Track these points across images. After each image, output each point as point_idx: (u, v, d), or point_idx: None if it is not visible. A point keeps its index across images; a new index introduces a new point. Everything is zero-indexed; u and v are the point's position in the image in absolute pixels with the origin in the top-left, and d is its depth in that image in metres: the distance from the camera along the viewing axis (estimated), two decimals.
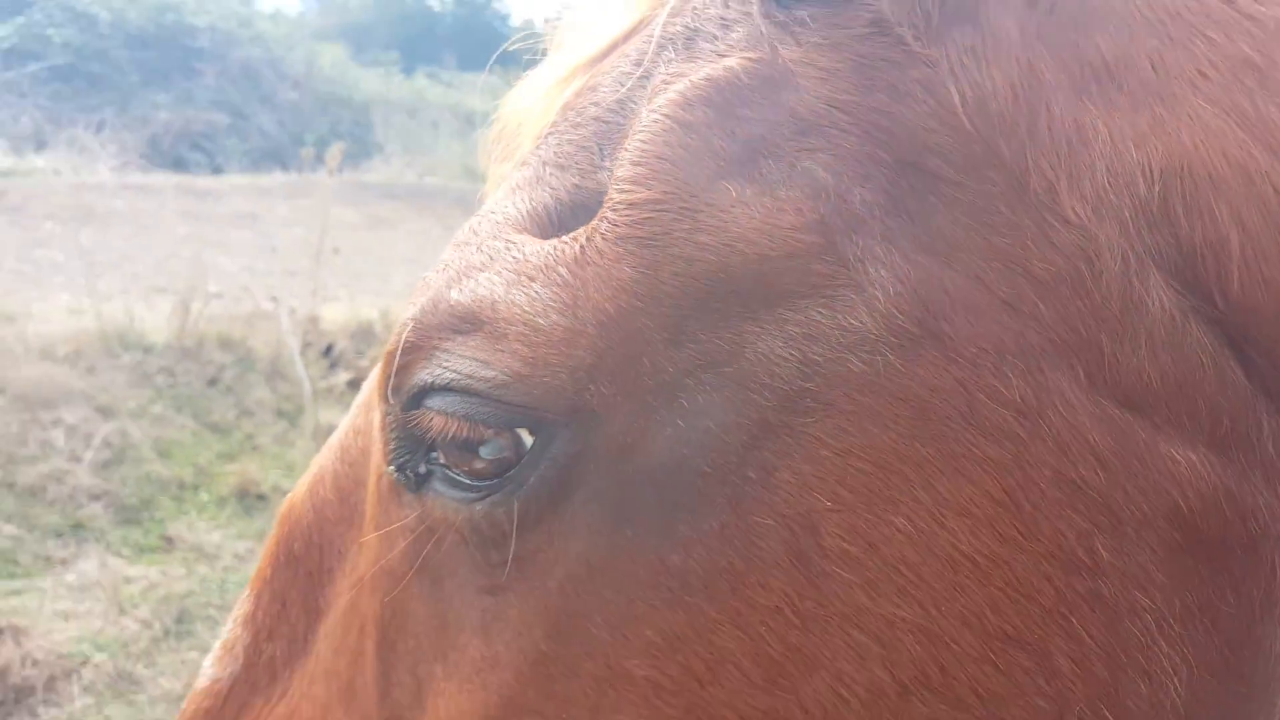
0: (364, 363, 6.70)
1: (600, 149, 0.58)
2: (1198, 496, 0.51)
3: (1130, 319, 0.50)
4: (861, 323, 0.51)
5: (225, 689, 0.74)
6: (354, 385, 6.56)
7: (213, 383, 6.31)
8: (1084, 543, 0.50)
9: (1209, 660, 0.52)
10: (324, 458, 0.76)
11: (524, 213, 0.59)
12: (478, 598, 0.57)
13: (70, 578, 4.31)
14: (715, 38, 0.57)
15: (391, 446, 0.59)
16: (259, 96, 23.05)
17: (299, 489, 0.77)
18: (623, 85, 0.59)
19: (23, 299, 7.32)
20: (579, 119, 0.61)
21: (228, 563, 4.58)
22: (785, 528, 0.51)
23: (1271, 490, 0.52)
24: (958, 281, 0.51)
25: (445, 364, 0.54)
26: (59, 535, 4.65)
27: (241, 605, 0.77)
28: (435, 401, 0.55)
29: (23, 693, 3.46)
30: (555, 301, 0.53)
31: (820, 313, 0.51)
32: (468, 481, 0.56)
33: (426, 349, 0.56)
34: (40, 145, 17.63)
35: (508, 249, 0.56)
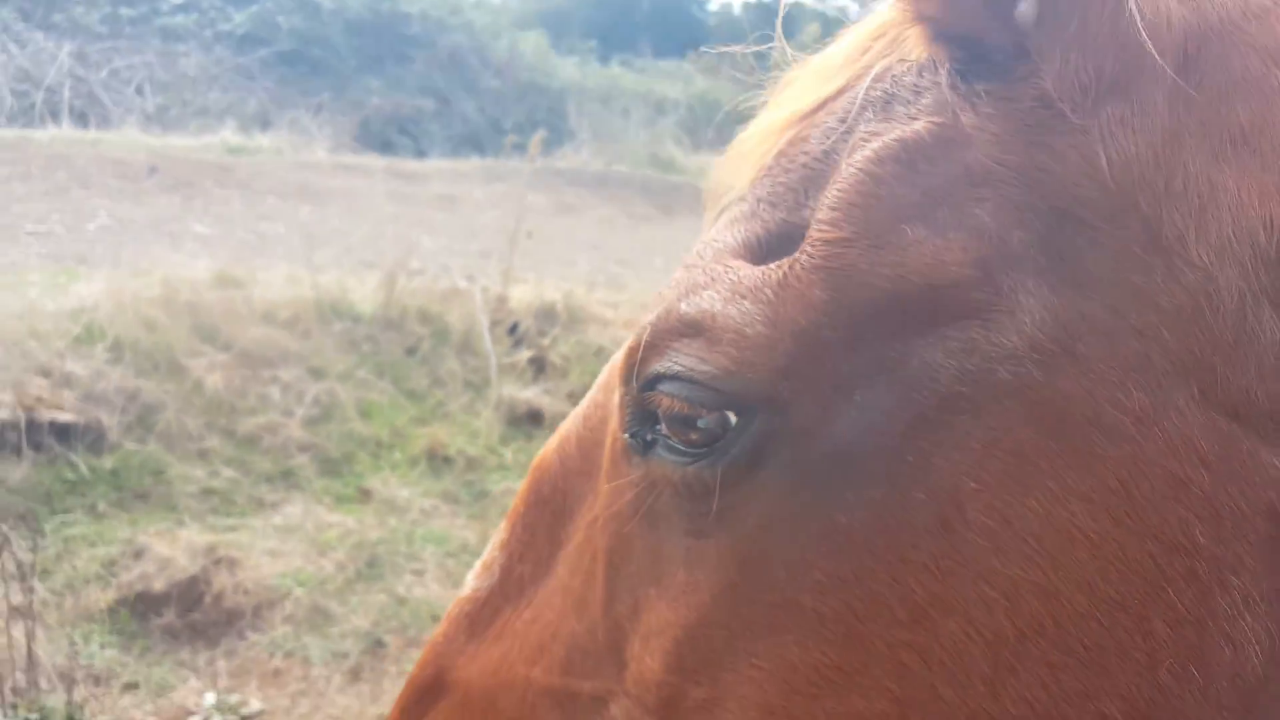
0: (545, 341, 6.95)
1: (806, 191, 0.71)
2: None
3: (1243, 346, 0.59)
4: (1011, 341, 0.61)
5: (483, 598, 0.90)
6: (534, 362, 6.82)
7: (411, 352, 6.72)
8: (1185, 529, 0.59)
9: None
10: (569, 423, 0.92)
11: (740, 242, 0.72)
12: (684, 539, 0.71)
13: (278, 520, 4.72)
14: (908, 102, 0.68)
15: (627, 418, 0.73)
16: (463, 83, 24.01)
17: (549, 446, 0.93)
18: (828, 139, 0.71)
19: (249, 266, 8.02)
20: (790, 165, 0.73)
21: (415, 516, 4.89)
22: (935, 502, 0.62)
23: None
24: (1095, 310, 0.60)
25: (674, 359, 0.68)
26: (270, 481, 5.10)
27: (499, 534, 0.93)
28: (664, 386, 0.68)
29: (234, 616, 3.84)
30: (760, 316, 0.65)
31: (977, 332, 0.62)
32: (683, 449, 0.69)
33: (660, 348, 0.69)
34: (265, 125, 18.95)
35: (725, 272, 0.69)
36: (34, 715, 3.05)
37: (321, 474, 5.23)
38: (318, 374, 6.02)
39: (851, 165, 0.66)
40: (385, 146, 20.54)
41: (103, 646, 3.58)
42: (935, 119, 0.65)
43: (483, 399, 6.26)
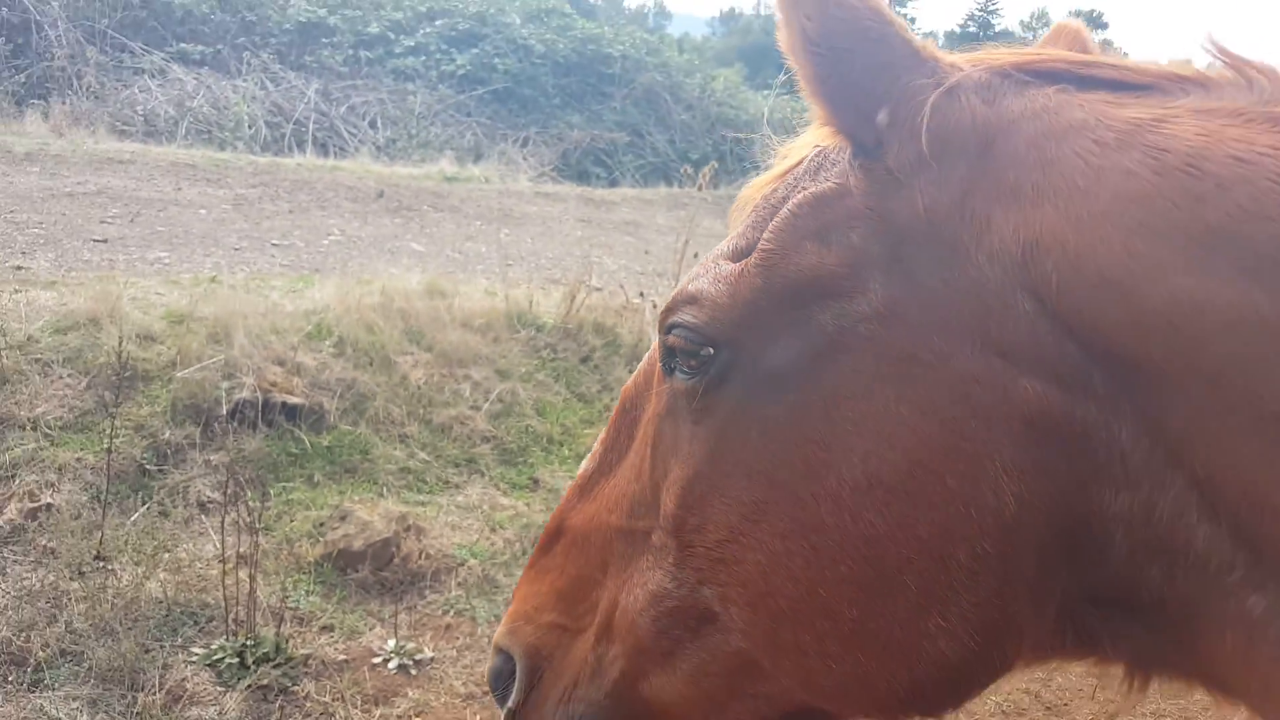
0: None
1: (765, 222, 1.07)
2: (1041, 407, 0.88)
3: (1006, 313, 0.89)
4: (865, 310, 0.96)
5: (588, 474, 1.30)
6: None
7: (585, 360, 7.22)
8: (967, 423, 0.90)
9: (1044, 493, 0.89)
10: (641, 364, 1.31)
11: (728, 249, 1.10)
12: (688, 426, 1.09)
13: (460, 499, 5.26)
14: (827, 170, 1.04)
15: (660, 353, 1.14)
16: (656, 118, 24.88)
17: (630, 379, 1.31)
18: (786, 190, 1.08)
19: (453, 280, 8.83)
20: (764, 204, 1.11)
21: None
22: (822, 402, 0.97)
23: (1096, 405, 0.87)
24: (916, 292, 0.93)
25: (680, 315, 1.07)
26: (456, 465, 5.67)
27: (600, 434, 1.33)
28: (675, 331, 1.08)
29: (417, 577, 4.35)
30: (727, 292, 1.04)
31: (846, 304, 0.97)
32: (687, 371, 1.07)
33: (675, 309, 1.09)
34: (478, 157, 20.34)
35: (715, 267, 1.09)
36: (250, 642, 3.63)
37: (499, 463, 5.75)
38: (503, 375, 6.60)
39: (786, 207, 1.04)
40: (581, 176, 21.55)
41: (308, 593, 4.16)
42: (836, 180, 1.02)
43: None
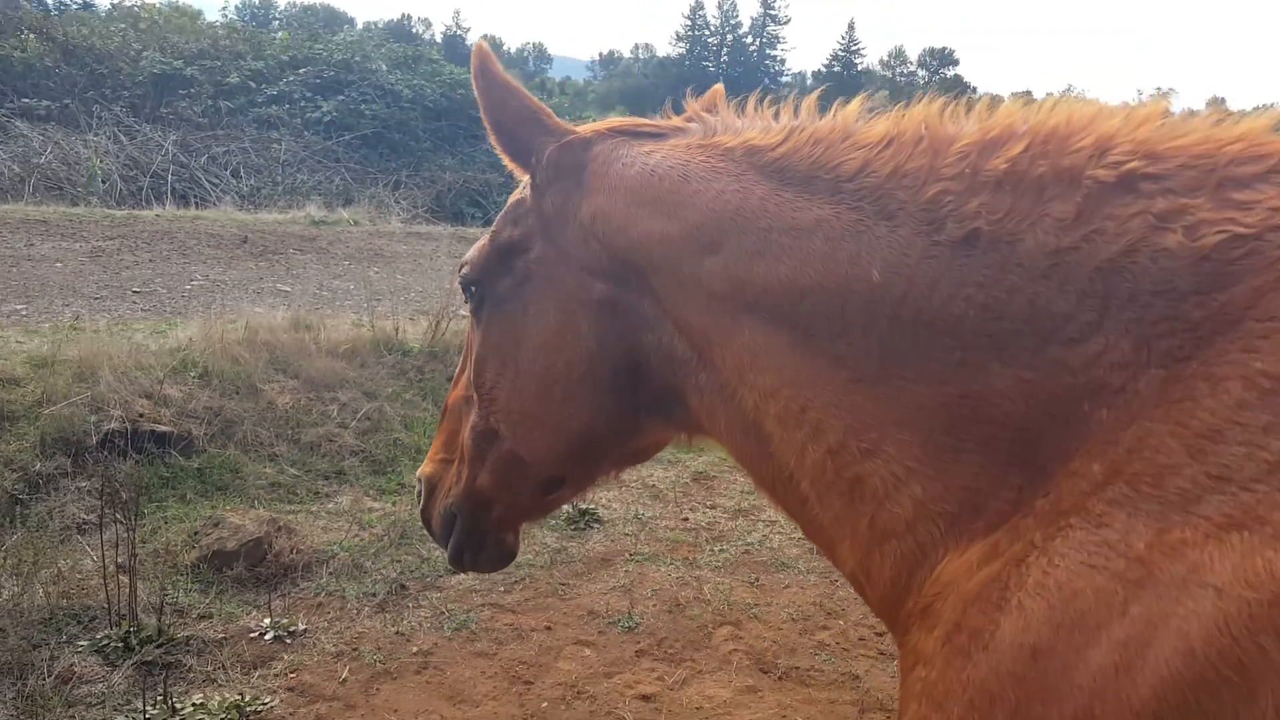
0: None
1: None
2: (604, 294, 1.50)
3: (586, 250, 1.50)
4: (534, 256, 1.59)
5: (455, 377, 1.89)
6: None
7: (451, 379, 7.67)
8: (572, 306, 1.54)
9: (611, 337, 1.51)
10: None
11: (490, 234, 1.70)
12: (476, 332, 1.78)
13: (330, 506, 5.63)
14: (523, 189, 1.64)
15: (466, 297, 1.77)
16: None
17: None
18: (520, 201, 1.67)
19: (319, 315, 9.14)
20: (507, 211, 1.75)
21: None
22: (521, 310, 1.61)
23: (630, 291, 1.48)
24: (554, 244, 1.56)
25: (461, 270, 1.73)
26: (326, 478, 6.03)
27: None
28: (460, 278, 1.76)
29: (289, 569, 4.71)
30: (478, 255, 1.68)
31: (525, 256, 1.60)
32: (468, 299, 1.77)
33: (461, 267, 1.75)
34: (347, 201, 20.35)
35: (478, 243, 1.74)
36: (133, 628, 3.95)
37: (369, 473, 6.14)
38: (371, 396, 6.99)
39: (503, 212, 1.68)
40: (456, 216, 21.78)
41: (187, 591, 4.48)
42: (522, 194, 1.64)
43: None
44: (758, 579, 4.97)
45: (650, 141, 1.51)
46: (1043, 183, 1.10)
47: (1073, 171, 1.08)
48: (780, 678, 3.92)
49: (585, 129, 1.60)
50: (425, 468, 1.92)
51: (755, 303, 1.29)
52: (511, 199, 1.75)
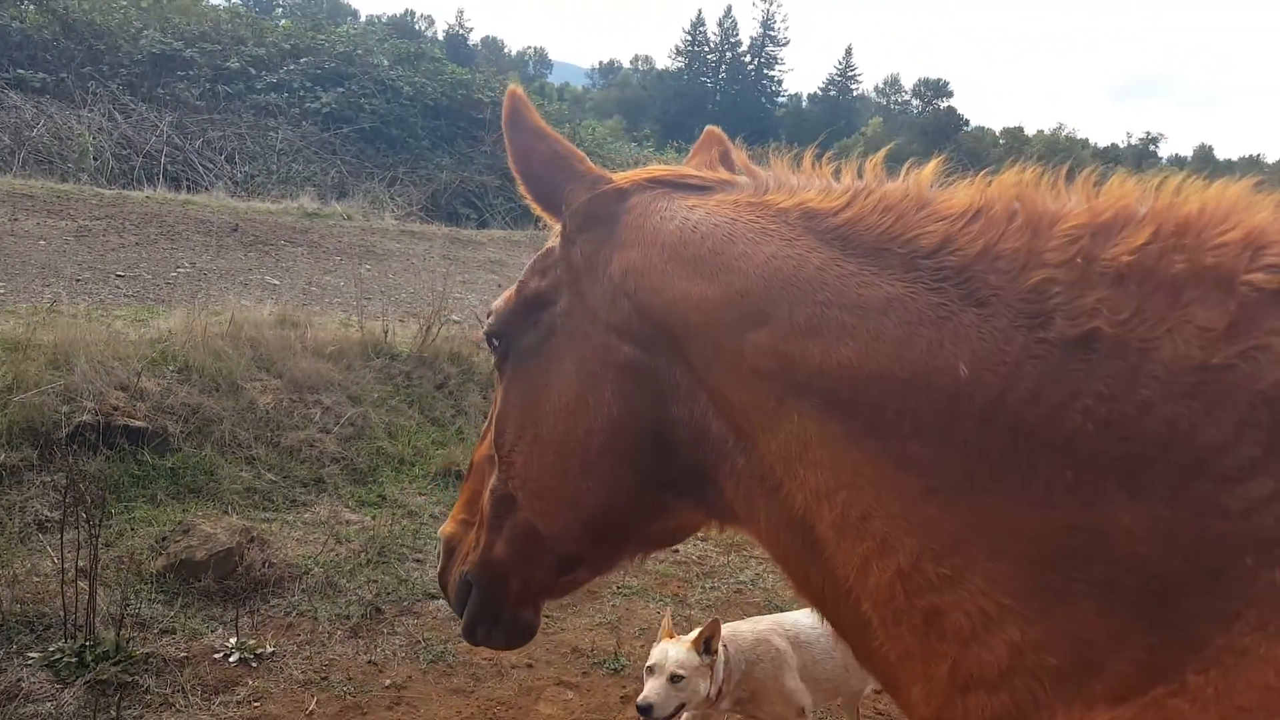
0: None
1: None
2: (632, 359, 1.35)
3: (615, 309, 1.35)
4: (559, 310, 1.44)
5: (484, 430, 1.72)
6: None
7: (440, 386, 7.45)
8: (596, 369, 1.38)
9: (636, 405, 1.36)
10: None
11: (520, 282, 1.57)
12: (499, 385, 1.58)
13: (307, 515, 5.40)
14: (553, 238, 1.51)
15: (491, 347, 1.64)
16: None
17: None
18: (549, 252, 1.55)
19: (307, 312, 8.90)
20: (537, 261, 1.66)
21: (425, 520, 5.51)
22: (544, 366, 1.45)
23: (661, 357, 1.33)
24: (581, 299, 1.41)
25: (487, 320, 1.57)
26: (305, 485, 5.79)
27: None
28: (485, 328, 1.59)
29: (261, 584, 4.49)
30: (504, 306, 1.54)
31: (550, 309, 1.45)
32: (492, 350, 1.58)
33: (486, 316, 1.59)
34: (342, 194, 20.10)
35: (504, 293, 1.57)
36: (89, 643, 3.71)
37: (349, 482, 5.91)
38: (356, 400, 6.76)
39: (532, 261, 1.56)
40: (451, 217, 21.55)
41: (150, 601, 4.25)
42: (551, 243, 1.51)
43: None
44: None
45: (694, 195, 1.38)
46: (1178, 283, 0.93)
47: (1219, 273, 0.91)
48: None
49: (622, 177, 1.47)
50: (446, 526, 1.81)
51: (807, 385, 1.12)
52: (544, 249, 1.67)
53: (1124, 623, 0.88)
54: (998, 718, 0.96)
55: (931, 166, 1.18)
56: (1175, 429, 0.88)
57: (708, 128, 1.68)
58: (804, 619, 3.47)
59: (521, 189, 1.51)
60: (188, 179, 18.64)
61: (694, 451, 1.31)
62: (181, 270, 10.97)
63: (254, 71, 23.72)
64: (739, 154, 1.53)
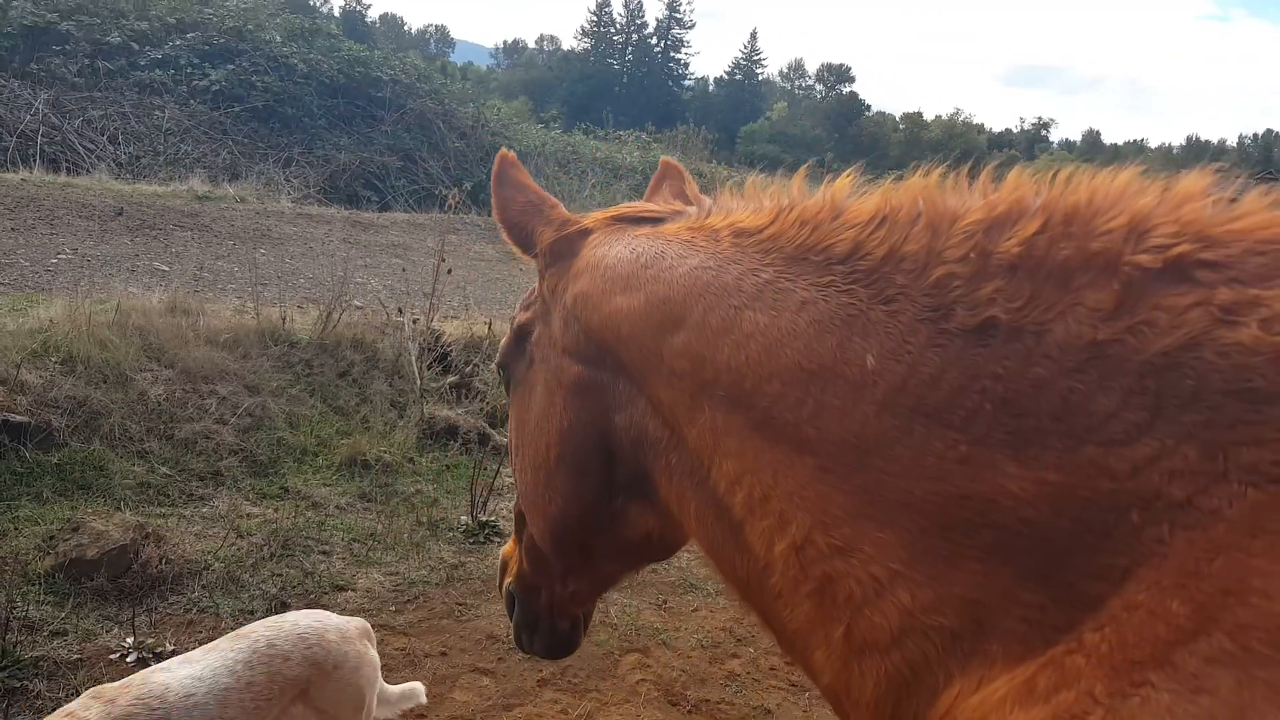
0: (468, 368, 7.53)
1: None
2: (580, 376, 1.48)
3: (568, 332, 1.50)
4: (535, 339, 1.61)
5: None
6: (456, 387, 7.39)
7: (343, 375, 7.26)
8: (554, 386, 1.54)
9: (585, 415, 1.48)
10: None
11: (515, 322, 1.74)
12: (510, 401, 1.75)
13: (205, 510, 5.22)
14: (537, 280, 1.66)
15: (501, 377, 1.84)
16: (429, 144, 24.69)
17: None
18: (532, 291, 1.73)
19: (199, 298, 8.56)
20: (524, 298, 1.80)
21: (330, 511, 5.39)
22: (531, 391, 1.61)
23: (606, 371, 1.44)
24: (549, 327, 1.56)
25: (499, 356, 1.76)
26: (201, 479, 5.59)
27: None
28: (497, 360, 1.80)
29: (157, 581, 4.32)
30: (505, 341, 1.72)
31: (531, 338, 1.62)
32: (500, 378, 1.80)
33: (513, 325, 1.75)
34: (234, 176, 19.34)
35: (508, 330, 1.75)
36: None
37: (249, 474, 5.73)
38: (253, 390, 6.55)
39: (523, 297, 1.72)
40: (351, 199, 20.97)
41: (39, 603, 4.05)
42: (538, 284, 1.64)
43: (405, 416, 6.78)
44: (666, 601, 4.84)
45: (647, 226, 1.51)
46: (1068, 268, 0.99)
47: (1106, 257, 0.98)
48: (690, 710, 3.79)
49: (588, 219, 1.62)
50: (507, 545, 1.98)
51: (716, 381, 1.24)
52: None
53: (1013, 583, 0.93)
54: (892, 676, 1.01)
55: (847, 177, 1.27)
56: (1068, 401, 0.93)
57: (663, 159, 1.86)
58: None
59: (504, 235, 1.69)
60: (67, 160, 17.68)
61: (634, 453, 1.41)
62: (62, 257, 10.40)
63: (136, 47, 22.62)
64: (690, 185, 1.73)
